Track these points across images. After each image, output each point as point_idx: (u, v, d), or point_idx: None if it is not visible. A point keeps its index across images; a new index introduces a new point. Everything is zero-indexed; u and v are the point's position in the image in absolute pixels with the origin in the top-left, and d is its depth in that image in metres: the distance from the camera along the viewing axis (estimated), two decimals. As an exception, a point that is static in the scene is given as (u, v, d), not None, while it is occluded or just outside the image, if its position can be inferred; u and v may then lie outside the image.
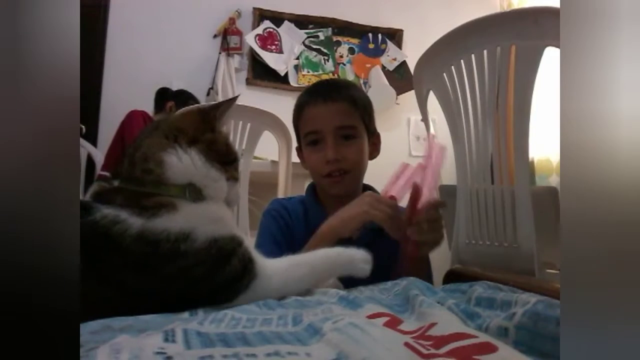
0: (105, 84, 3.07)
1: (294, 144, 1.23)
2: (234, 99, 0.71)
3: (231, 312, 0.48)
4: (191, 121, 0.63)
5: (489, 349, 0.33)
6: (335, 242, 0.88)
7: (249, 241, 0.61)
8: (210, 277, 0.54)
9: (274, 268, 0.61)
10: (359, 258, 0.69)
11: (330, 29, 3.36)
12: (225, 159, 0.64)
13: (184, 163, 0.59)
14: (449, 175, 1.15)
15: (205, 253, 0.53)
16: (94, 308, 0.46)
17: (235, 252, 0.56)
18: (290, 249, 0.97)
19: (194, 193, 0.58)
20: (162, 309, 0.51)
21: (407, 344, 0.35)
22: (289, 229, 1.08)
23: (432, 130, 1.21)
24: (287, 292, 0.60)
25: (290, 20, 3.30)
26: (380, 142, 1.15)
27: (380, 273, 1.04)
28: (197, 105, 0.69)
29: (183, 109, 0.66)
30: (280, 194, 1.77)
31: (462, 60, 0.98)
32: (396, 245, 1.03)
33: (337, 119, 1.05)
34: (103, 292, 0.50)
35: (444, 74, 1.03)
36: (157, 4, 3.17)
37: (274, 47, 3.25)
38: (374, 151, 1.12)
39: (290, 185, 1.80)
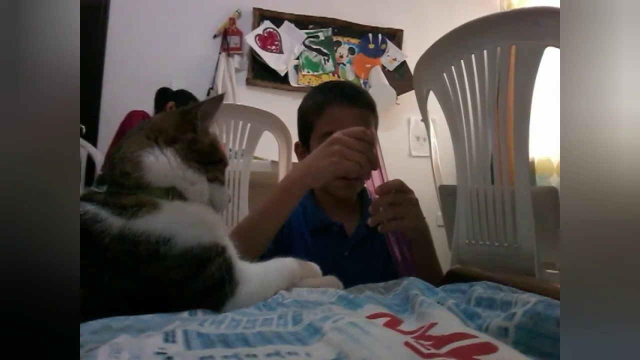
0: (105, 84, 3.07)
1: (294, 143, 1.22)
2: (220, 98, 0.68)
3: (231, 314, 0.48)
4: (172, 121, 0.62)
5: (489, 349, 0.33)
6: (303, 194, 0.87)
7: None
8: (187, 282, 0.53)
9: (251, 272, 0.60)
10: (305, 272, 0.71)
11: (330, 29, 3.36)
12: (207, 159, 0.62)
13: (160, 163, 0.57)
14: (449, 175, 1.16)
15: (181, 259, 0.53)
16: None
17: (212, 261, 0.55)
18: (286, 243, 0.97)
19: (177, 197, 0.57)
20: (139, 312, 0.49)
21: (407, 344, 0.35)
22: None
23: (432, 130, 1.21)
24: (264, 295, 0.60)
25: (290, 21, 3.31)
26: None
27: (376, 268, 1.04)
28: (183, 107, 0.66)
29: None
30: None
31: (462, 60, 0.98)
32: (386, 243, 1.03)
33: (359, 123, 1.05)
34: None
35: (444, 74, 1.03)
36: (157, 4, 3.17)
37: (274, 47, 3.25)
38: None
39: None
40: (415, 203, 0.90)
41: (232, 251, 0.59)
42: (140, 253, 0.51)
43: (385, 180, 0.87)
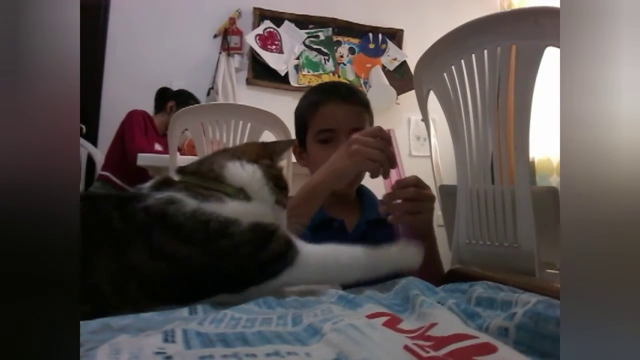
0: (105, 84, 3.08)
1: (294, 143, 1.23)
2: (291, 142, 0.84)
3: (230, 312, 0.48)
4: (254, 148, 0.74)
5: (489, 349, 0.33)
6: (325, 196, 0.90)
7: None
8: (255, 255, 0.58)
9: (314, 250, 0.63)
10: (409, 253, 0.68)
11: (330, 29, 3.36)
12: (278, 183, 0.70)
13: (245, 170, 0.67)
14: (449, 175, 1.16)
15: (250, 234, 0.58)
16: (145, 280, 0.53)
17: (277, 231, 0.61)
18: None
19: (245, 198, 0.64)
20: (210, 285, 0.56)
21: (406, 347, 0.35)
22: None
23: (432, 130, 1.21)
24: (326, 277, 0.63)
25: (290, 20, 3.31)
26: None
27: None
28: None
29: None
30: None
31: (462, 60, 0.98)
32: (391, 235, 1.03)
33: (353, 120, 1.08)
34: (154, 265, 0.54)
35: (444, 74, 1.03)
36: (158, 4, 3.17)
37: (274, 47, 3.25)
38: None
39: (290, 185, 1.80)
40: (432, 199, 0.91)
41: (287, 230, 0.64)
42: (211, 230, 0.56)
43: (402, 177, 0.88)
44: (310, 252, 0.62)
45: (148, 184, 0.63)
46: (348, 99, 1.10)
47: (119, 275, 0.53)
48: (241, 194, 0.64)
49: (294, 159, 1.31)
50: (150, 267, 0.54)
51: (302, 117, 1.15)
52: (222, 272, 0.57)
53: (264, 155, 0.72)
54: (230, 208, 0.60)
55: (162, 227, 0.55)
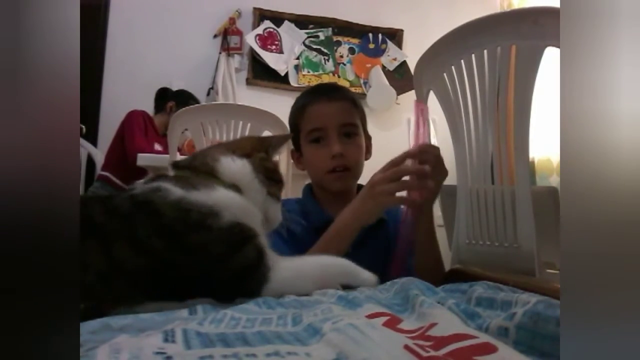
0: (105, 84, 3.08)
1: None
2: (287, 137, 0.89)
3: (230, 312, 0.48)
4: (250, 142, 0.76)
5: (489, 349, 0.33)
6: (354, 237, 0.94)
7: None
8: (226, 258, 0.58)
9: (286, 263, 0.63)
10: (364, 274, 0.71)
11: (330, 29, 3.36)
12: (271, 176, 0.72)
13: (235, 165, 0.68)
14: (449, 175, 1.16)
15: (226, 232, 0.58)
16: (129, 276, 0.53)
17: (251, 240, 0.60)
18: (293, 246, 0.98)
19: (236, 192, 0.64)
20: (189, 284, 0.56)
21: (406, 347, 0.35)
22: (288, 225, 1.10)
23: (432, 130, 1.21)
24: (298, 288, 0.63)
25: (290, 20, 3.31)
26: (372, 144, 1.20)
27: (379, 265, 1.07)
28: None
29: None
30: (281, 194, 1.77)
31: (462, 61, 0.98)
32: (387, 241, 1.05)
33: (340, 116, 1.09)
34: (137, 260, 0.54)
35: (444, 74, 1.03)
36: (157, 4, 3.17)
37: (274, 47, 3.25)
38: (367, 152, 1.17)
39: (290, 186, 1.80)
40: (446, 173, 0.96)
41: (264, 240, 0.64)
42: (190, 220, 0.56)
43: None
44: (285, 267, 0.62)
45: (142, 180, 0.63)
46: (333, 96, 1.12)
47: (108, 271, 0.52)
48: (232, 188, 0.64)
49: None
50: (134, 262, 0.54)
51: (294, 121, 1.17)
52: (195, 270, 0.57)
53: (259, 149, 0.74)
54: (217, 196, 0.60)
55: (145, 215, 0.55)
